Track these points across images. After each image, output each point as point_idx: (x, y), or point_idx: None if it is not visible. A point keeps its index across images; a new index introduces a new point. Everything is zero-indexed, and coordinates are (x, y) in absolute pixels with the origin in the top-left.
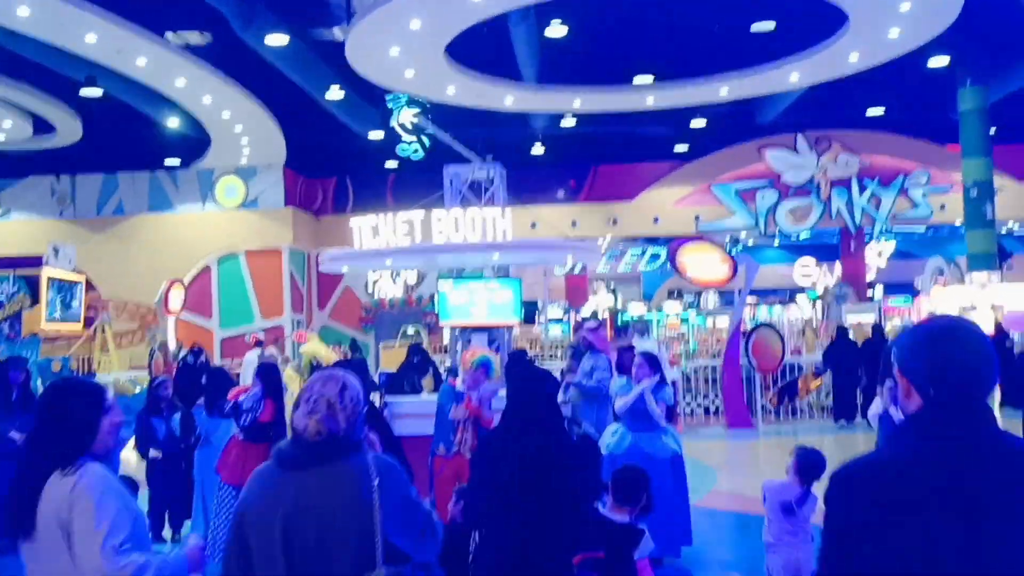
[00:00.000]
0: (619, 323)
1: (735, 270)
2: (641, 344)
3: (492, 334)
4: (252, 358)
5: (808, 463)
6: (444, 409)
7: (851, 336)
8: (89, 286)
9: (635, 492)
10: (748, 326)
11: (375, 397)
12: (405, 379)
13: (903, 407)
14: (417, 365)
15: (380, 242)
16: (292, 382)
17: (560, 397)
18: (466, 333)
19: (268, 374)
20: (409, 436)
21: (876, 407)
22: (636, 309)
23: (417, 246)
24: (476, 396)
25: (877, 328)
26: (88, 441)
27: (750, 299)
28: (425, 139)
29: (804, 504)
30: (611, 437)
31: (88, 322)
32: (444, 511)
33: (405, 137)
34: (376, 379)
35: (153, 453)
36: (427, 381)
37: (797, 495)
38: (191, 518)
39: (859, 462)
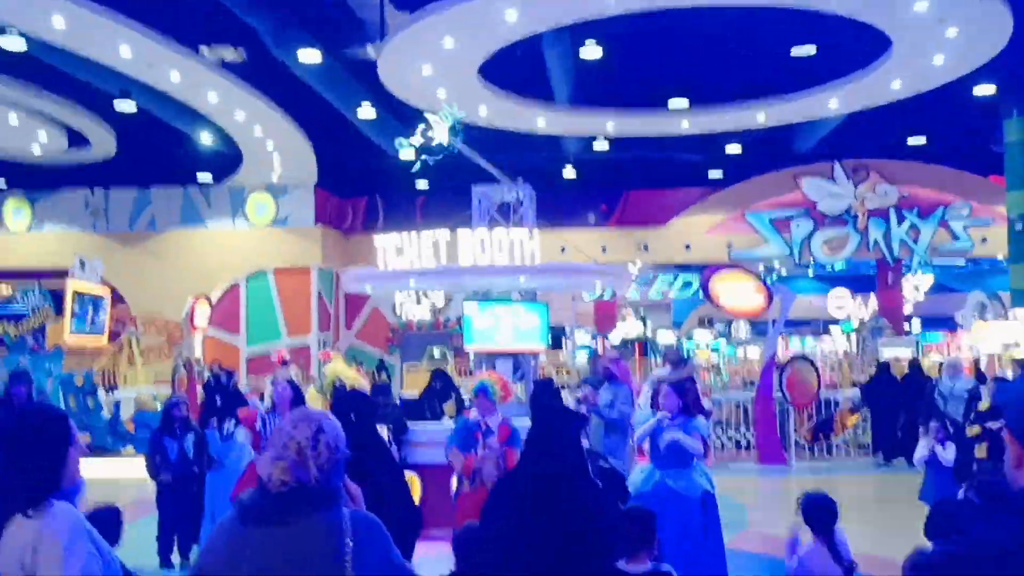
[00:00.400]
0: (680, 353)
1: (770, 300)
2: (678, 375)
3: (517, 360)
4: (280, 374)
5: (814, 509)
6: (458, 442)
7: (892, 371)
8: (118, 299)
9: (647, 534)
10: (782, 358)
11: (384, 431)
12: (427, 405)
13: (1012, 478)
14: (440, 391)
15: (405, 262)
16: (315, 402)
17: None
18: (491, 358)
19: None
20: (429, 465)
21: (922, 450)
22: (665, 337)
23: (442, 267)
24: (493, 423)
25: (915, 364)
26: (56, 478)
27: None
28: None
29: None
30: (638, 475)
31: (114, 336)
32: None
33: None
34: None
35: (163, 477)
36: (449, 407)
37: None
38: (200, 544)
39: (942, 553)
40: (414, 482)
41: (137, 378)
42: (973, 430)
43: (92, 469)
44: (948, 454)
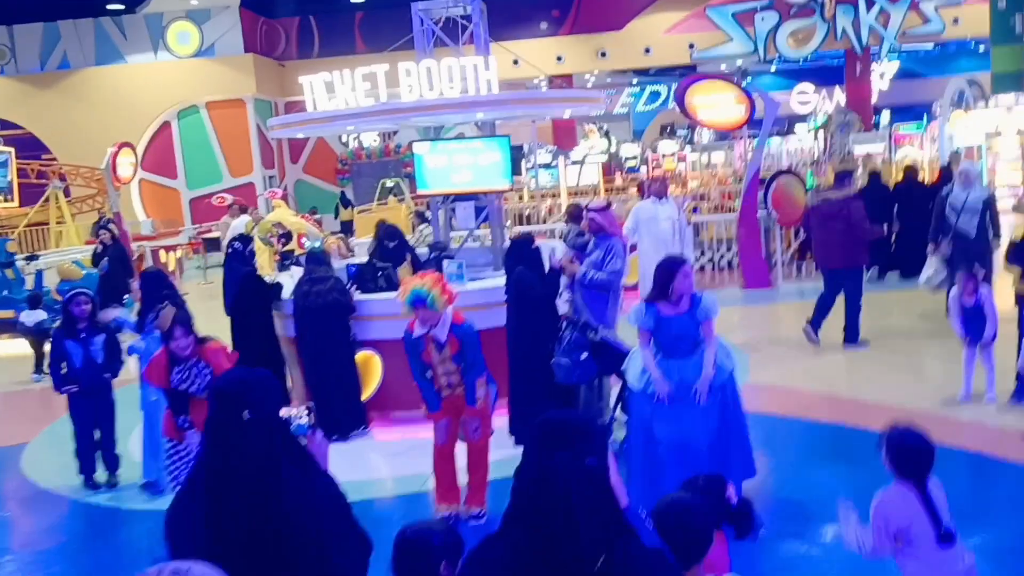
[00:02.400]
0: (579, 206)
1: (752, 111)
2: (657, 210)
3: (480, 202)
4: (235, 223)
5: (903, 453)
6: (412, 365)
7: (883, 180)
8: (41, 149)
9: (696, 544)
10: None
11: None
12: (378, 271)
13: None
14: (392, 251)
15: (339, 102)
16: (261, 255)
17: (563, 295)
18: (449, 202)
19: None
20: (387, 340)
21: (932, 273)
22: (629, 151)
23: (383, 105)
24: (442, 333)
25: (910, 171)
26: None
27: (740, 132)
28: None
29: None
30: (640, 369)
31: (39, 194)
32: (438, 440)
33: None
34: (345, 273)
35: (69, 388)
36: (404, 270)
37: (918, 510)
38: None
39: None
40: (372, 362)
41: (71, 236)
42: (1014, 271)
43: (16, 347)
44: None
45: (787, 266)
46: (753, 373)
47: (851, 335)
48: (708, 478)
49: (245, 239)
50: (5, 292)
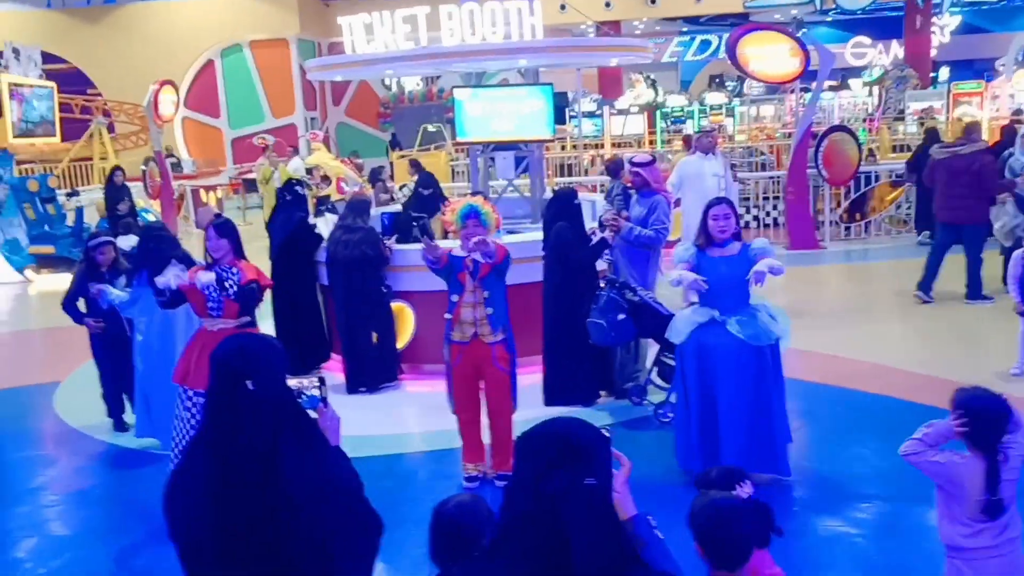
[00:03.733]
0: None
1: (807, 63)
2: (703, 165)
3: (520, 152)
4: (293, 165)
5: (976, 418)
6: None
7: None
8: (87, 83)
9: (736, 551)
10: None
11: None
12: (413, 221)
13: None
14: (428, 199)
15: (378, 45)
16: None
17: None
18: (489, 151)
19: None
20: (420, 292)
21: (1007, 219)
22: (675, 102)
23: (423, 50)
24: (479, 258)
25: (971, 129)
26: None
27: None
28: None
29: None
30: (688, 324)
31: (79, 129)
32: (462, 408)
33: None
34: (380, 223)
35: (97, 325)
36: (438, 222)
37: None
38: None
39: None
40: (404, 313)
41: None
42: None
43: (57, 283)
44: None
45: (835, 226)
46: (796, 338)
47: (974, 291)
48: (726, 471)
49: (301, 184)
50: (46, 227)
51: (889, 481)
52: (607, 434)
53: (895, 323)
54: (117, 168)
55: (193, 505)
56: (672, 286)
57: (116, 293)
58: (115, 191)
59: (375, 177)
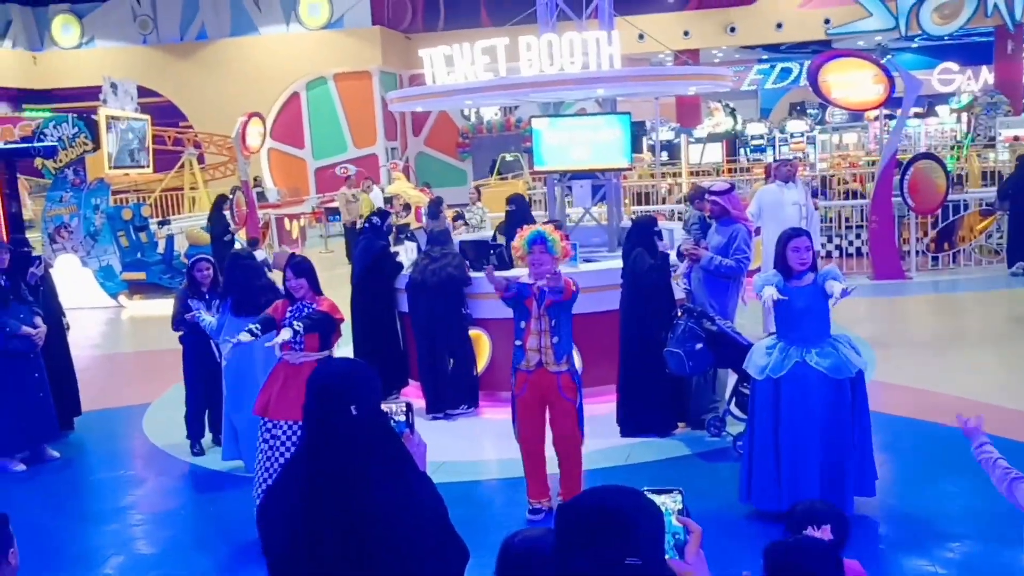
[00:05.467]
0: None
1: (891, 90)
2: (783, 194)
3: (597, 180)
4: (375, 195)
5: None
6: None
7: None
8: (179, 116)
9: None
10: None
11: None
12: (490, 249)
13: None
14: (520, 221)
15: (458, 76)
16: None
17: (679, 282)
18: (566, 179)
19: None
20: (496, 319)
21: None
22: (755, 130)
23: (501, 80)
24: (548, 291)
25: None
26: None
27: (875, 112)
28: None
29: None
30: (765, 357)
31: (175, 160)
32: (526, 438)
33: None
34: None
35: (185, 330)
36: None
37: None
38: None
39: None
40: (481, 340)
41: (203, 203)
42: None
43: (148, 308)
44: None
45: (922, 256)
46: (880, 371)
47: None
48: (809, 509)
49: (383, 214)
50: (139, 255)
51: (979, 519)
52: (674, 501)
53: (985, 356)
54: (224, 196)
55: (286, 522)
56: (759, 298)
57: (207, 319)
58: (221, 217)
59: (435, 210)
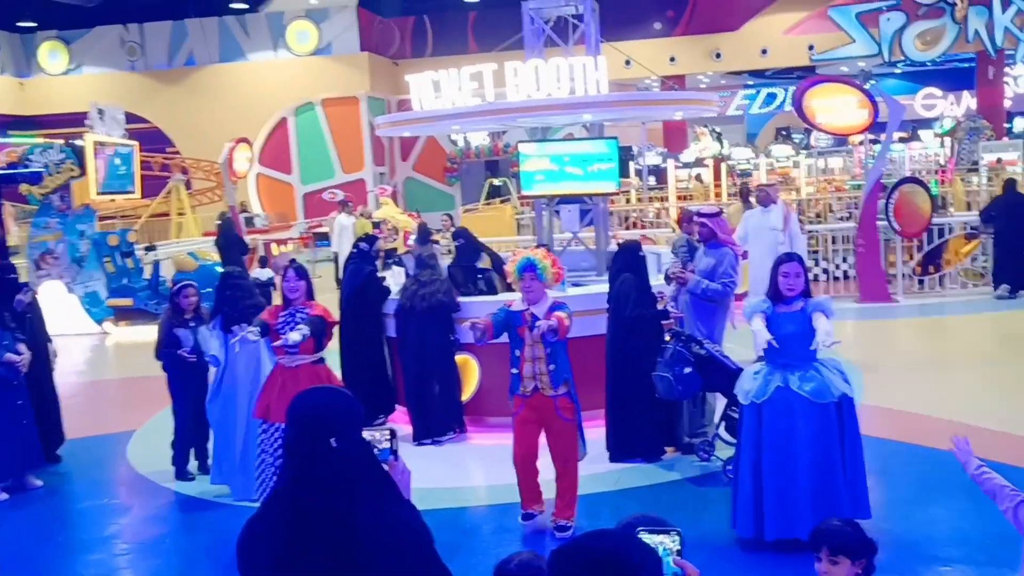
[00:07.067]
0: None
1: (875, 115)
2: (765, 218)
3: (585, 204)
4: (345, 222)
5: None
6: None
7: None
8: (166, 143)
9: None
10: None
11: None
12: (478, 274)
13: None
14: (465, 250)
15: (445, 101)
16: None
17: (667, 305)
18: (554, 204)
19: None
20: (486, 344)
21: None
22: (741, 154)
23: (488, 106)
24: (540, 310)
25: None
26: None
27: (860, 136)
28: None
29: None
30: (750, 382)
31: (161, 186)
32: (519, 443)
33: None
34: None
35: (189, 355)
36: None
37: None
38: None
39: None
40: (469, 365)
41: (190, 229)
42: None
43: (134, 334)
44: None
45: (908, 280)
46: (868, 394)
47: None
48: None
49: (371, 239)
50: (125, 280)
51: (969, 543)
52: (673, 542)
53: (972, 379)
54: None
55: (266, 554)
56: (749, 323)
57: (214, 348)
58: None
59: (424, 236)
